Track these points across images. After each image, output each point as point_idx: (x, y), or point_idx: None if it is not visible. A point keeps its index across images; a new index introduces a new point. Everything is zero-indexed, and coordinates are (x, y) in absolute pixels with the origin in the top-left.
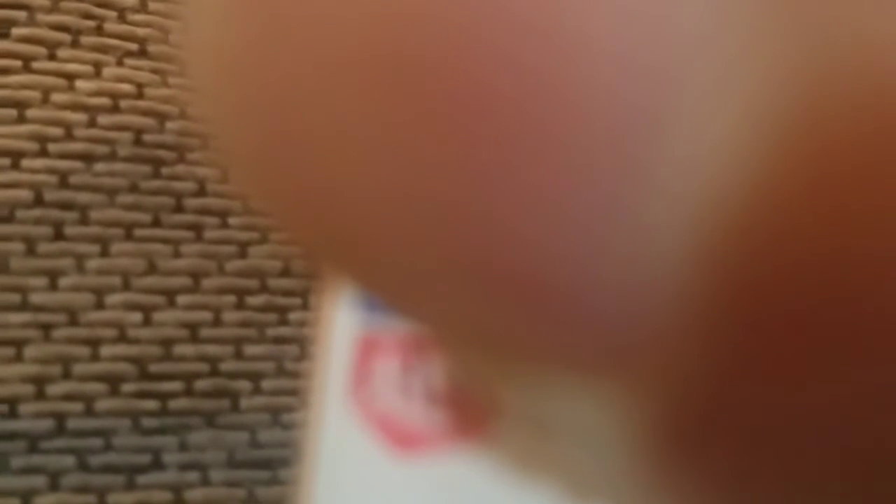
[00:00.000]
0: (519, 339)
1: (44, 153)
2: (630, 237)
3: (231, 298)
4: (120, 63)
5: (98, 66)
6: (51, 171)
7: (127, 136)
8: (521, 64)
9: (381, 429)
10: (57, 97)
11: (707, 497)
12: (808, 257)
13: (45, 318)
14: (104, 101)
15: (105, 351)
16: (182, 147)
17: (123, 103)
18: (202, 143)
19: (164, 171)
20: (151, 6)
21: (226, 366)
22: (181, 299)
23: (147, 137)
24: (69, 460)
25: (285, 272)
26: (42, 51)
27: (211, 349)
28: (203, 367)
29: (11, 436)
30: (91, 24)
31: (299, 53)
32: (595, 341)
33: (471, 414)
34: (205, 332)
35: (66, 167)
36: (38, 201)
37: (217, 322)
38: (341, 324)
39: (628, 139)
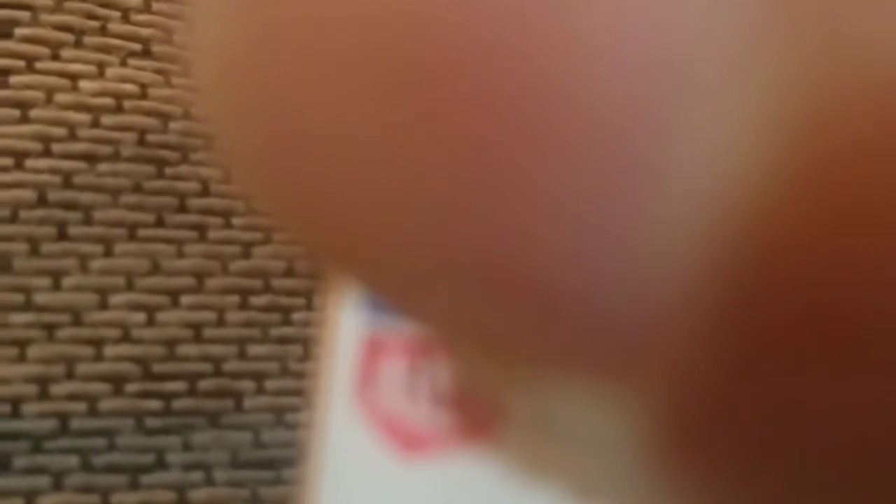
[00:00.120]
0: (523, 341)
1: (47, 153)
2: (636, 237)
3: (235, 298)
4: (123, 63)
5: (101, 67)
6: (54, 171)
7: (130, 136)
8: (523, 62)
9: (386, 430)
10: (60, 97)
11: (713, 498)
12: (816, 258)
13: (48, 318)
14: (108, 101)
15: (108, 351)
16: (185, 147)
17: (127, 103)
18: (206, 143)
19: (168, 171)
20: (155, 6)
21: (229, 366)
22: (185, 299)
23: (150, 138)
24: (73, 460)
25: (289, 272)
26: (45, 51)
27: (214, 349)
28: (207, 367)
29: (15, 436)
30: (94, 24)
31: (302, 53)
32: (600, 342)
33: (476, 415)
34: (208, 333)
35: (70, 167)
36: (42, 201)
37: (220, 322)
38: (346, 325)
39: (633, 138)
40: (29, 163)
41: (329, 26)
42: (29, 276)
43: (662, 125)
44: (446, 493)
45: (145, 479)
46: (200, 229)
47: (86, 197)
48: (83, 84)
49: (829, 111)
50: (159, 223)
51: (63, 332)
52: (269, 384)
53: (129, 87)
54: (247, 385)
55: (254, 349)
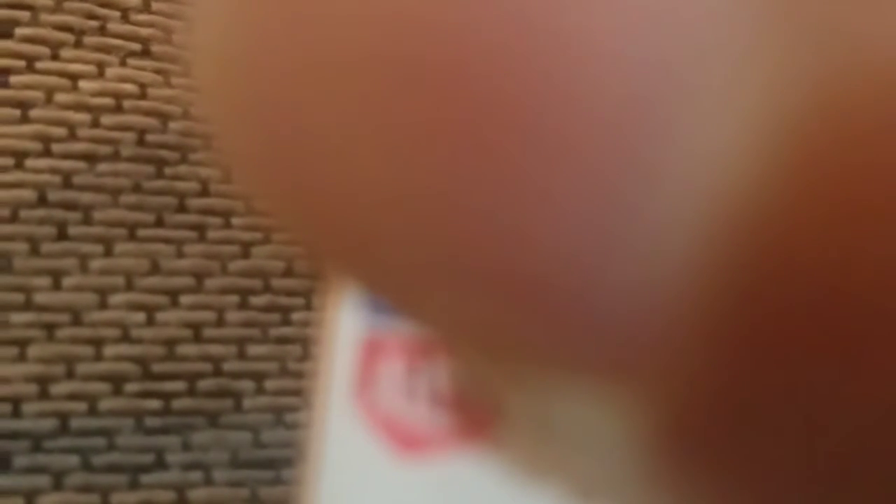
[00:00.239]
0: (523, 341)
1: (47, 153)
2: (635, 236)
3: (234, 298)
4: (123, 63)
5: (101, 67)
6: (54, 171)
7: (130, 136)
8: (523, 62)
9: (385, 430)
10: (60, 97)
11: (712, 498)
12: (815, 256)
13: (48, 317)
14: (107, 101)
15: (108, 351)
16: (185, 147)
17: (127, 103)
18: (205, 143)
19: (168, 171)
20: (154, 6)
21: (229, 366)
22: (184, 299)
23: (150, 137)
24: (73, 460)
25: (288, 272)
26: (45, 51)
27: (214, 349)
28: (206, 367)
29: (15, 435)
30: (94, 24)
31: (302, 53)
32: (599, 341)
33: (475, 416)
34: (208, 332)
35: (70, 167)
36: (42, 201)
37: (220, 322)
38: (346, 325)
39: (633, 137)
40: (29, 163)
41: (329, 27)
42: (29, 275)
43: (662, 124)
44: (445, 494)
45: (145, 478)
46: (200, 229)
47: (86, 197)
48: (83, 84)
49: (829, 109)
50: (159, 223)
51: (63, 332)
52: (269, 384)
53: (129, 87)
54: (246, 385)
55: (253, 349)
